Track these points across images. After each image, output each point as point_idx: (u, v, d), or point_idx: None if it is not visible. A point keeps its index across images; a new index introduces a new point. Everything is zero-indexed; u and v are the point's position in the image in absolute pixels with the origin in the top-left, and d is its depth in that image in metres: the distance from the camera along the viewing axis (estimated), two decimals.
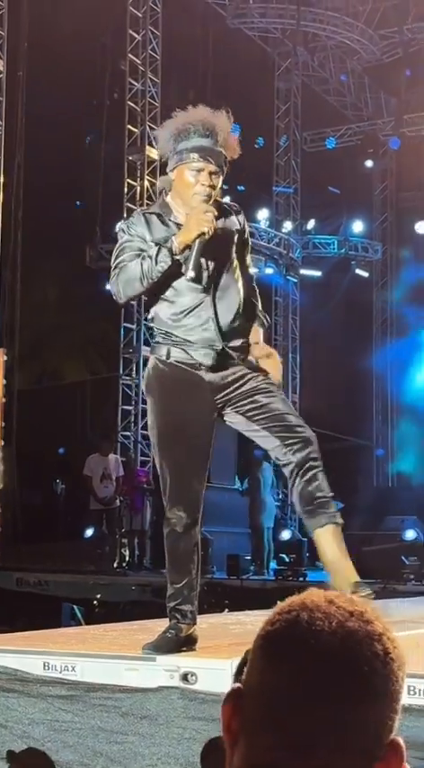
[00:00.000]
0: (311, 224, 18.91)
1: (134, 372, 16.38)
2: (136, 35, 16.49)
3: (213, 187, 3.86)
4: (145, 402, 15.93)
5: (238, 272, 3.98)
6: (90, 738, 3.26)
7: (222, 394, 3.89)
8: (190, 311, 3.85)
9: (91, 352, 19.52)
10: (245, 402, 3.89)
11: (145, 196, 16.32)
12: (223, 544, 13.03)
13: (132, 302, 4.03)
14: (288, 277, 18.50)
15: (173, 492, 3.82)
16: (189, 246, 3.75)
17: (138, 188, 16.34)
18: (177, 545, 3.81)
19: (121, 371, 16.48)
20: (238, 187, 15.41)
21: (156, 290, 3.85)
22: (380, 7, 17.98)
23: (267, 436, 3.90)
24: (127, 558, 14.07)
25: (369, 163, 19.56)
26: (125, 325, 16.48)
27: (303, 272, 18.82)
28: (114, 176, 16.47)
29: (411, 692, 3.04)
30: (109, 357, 17.27)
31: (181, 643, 3.71)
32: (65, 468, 16.45)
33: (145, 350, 16.37)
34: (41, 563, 12.76)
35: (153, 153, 16.37)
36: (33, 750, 3.24)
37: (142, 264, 3.78)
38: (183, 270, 3.78)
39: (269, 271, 17.64)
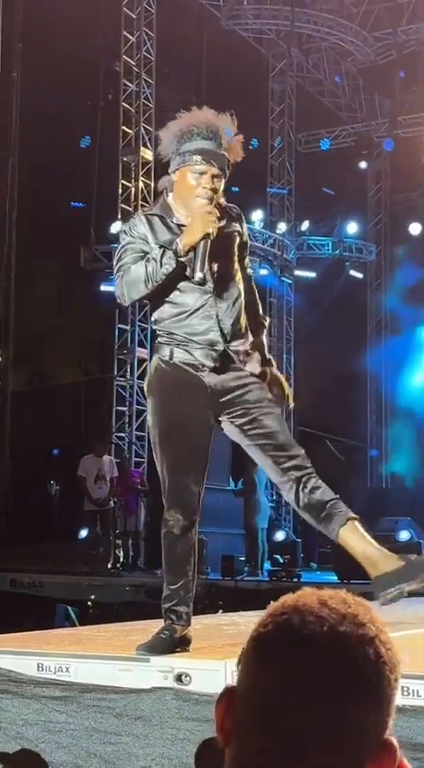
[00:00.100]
0: (305, 225, 18.92)
1: (128, 373, 16.39)
2: (130, 36, 16.50)
3: (215, 190, 3.85)
4: (139, 403, 15.88)
5: (240, 273, 3.99)
6: (84, 739, 3.26)
7: (221, 399, 3.89)
8: (194, 312, 3.85)
9: (85, 354, 19.52)
10: (241, 414, 3.89)
11: (140, 197, 16.32)
12: (217, 545, 13.03)
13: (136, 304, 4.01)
14: (283, 278, 18.51)
15: (171, 493, 3.82)
16: (193, 248, 3.75)
17: (133, 189, 16.35)
18: (174, 547, 3.82)
19: (116, 372, 16.48)
20: (232, 188, 15.40)
21: (160, 292, 3.84)
22: (374, 9, 18.00)
23: (259, 453, 3.90)
24: (121, 559, 14.07)
25: (363, 164, 19.59)
26: (119, 326, 16.48)
27: (297, 273, 18.83)
28: (108, 177, 16.47)
29: (405, 693, 3.04)
30: (103, 358, 17.27)
31: (175, 644, 3.71)
32: (59, 470, 16.45)
33: (139, 351, 16.38)
34: (35, 564, 12.76)
35: (147, 154, 16.38)
36: (27, 751, 3.24)
37: (146, 267, 3.77)
38: (188, 272, 3.78)
39: (263, 272, 17.63)
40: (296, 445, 3.92)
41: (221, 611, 8.06)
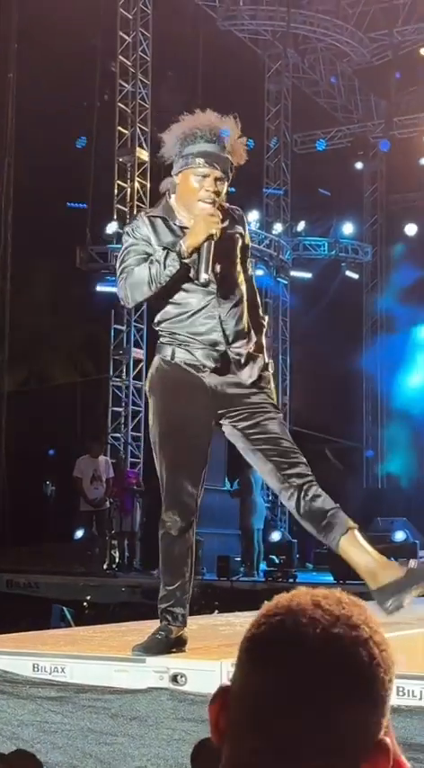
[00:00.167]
0: (301, 226, 18.93)
1: (124, 374, 16.38)
2: (126, 37, 16.50)
3: (217, 193, 3.84)
4: (135, 404, 15.86)
5: (242, 275, 3.99)
6: (79, 740, 3.25)
7: (223, 402, 3.88)
8: (196, 312, 3.85)
9: (81, 354, 19.50)
10: (244, 417, 3.88)
11: (136, 198, 16.32)
12: (213, 545, 13.04)
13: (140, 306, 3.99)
14: (278, 279, 18.52)
15: (170, 494, 3.82)
16: (197, 250, 3.75)
17: (129, 189, 16.34)
18: (171, 548, 3.82)
19: (111, 373, 16.48)
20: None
21: (164, 294, 3.84)
22: (370, 10, 18.02)
23: (260, 459, 3.89)
24: (116, 560, 14.07)
25: (359, 165, 19.60)
26: (115, 326, 16.47)
27: (293, 273, 18.84)
28: (104, 178, 16.47)
29: (401, 693, 3.04)
30: (99, 359, 17.26)
31: (170, 645, 3.71)
32: (55, 470, 16.43)
33: (135, 352, 16.38)
34: (31, 564, 12.76)
35: (143, 155, 16.38)
36: (22, 752, 3.23)
37: (150, 269, 3.77)
38: (192, 274, 3.78)
39: (259, 272, 17.62)
40: (298, 452, 3.92)
41: (217, 611, 8.06)
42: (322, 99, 20.02)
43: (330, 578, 11.06)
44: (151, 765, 3.15)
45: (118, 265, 3.95)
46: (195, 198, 3.83)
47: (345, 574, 10.92)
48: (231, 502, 14.21)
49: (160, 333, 3.95)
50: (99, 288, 16.22)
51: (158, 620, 3.82)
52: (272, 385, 4.09)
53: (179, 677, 3.37)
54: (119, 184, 16.39)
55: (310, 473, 3.87)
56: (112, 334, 16.47)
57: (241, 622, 5.07)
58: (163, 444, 3.86)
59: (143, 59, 16.59)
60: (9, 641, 4.23)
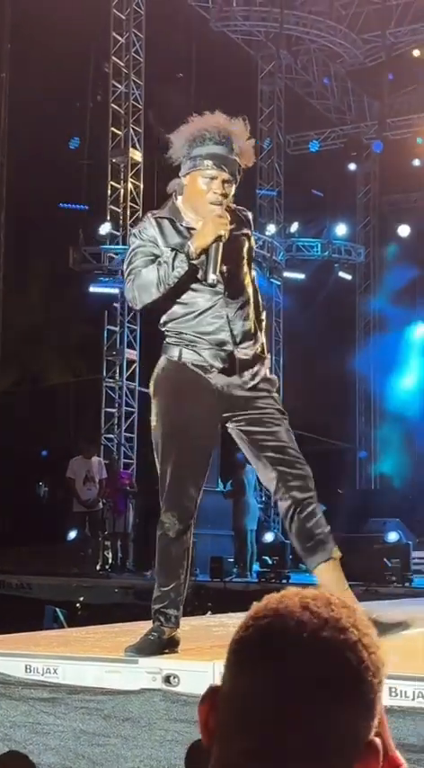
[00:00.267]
0: (294, 227, 18.94)
1: (117, 375, 16.38)
2: (119, 38, 16.49)
3: (225, 195, 3.83)
4: (128, 404, 15.79)
5: (248, 277, 3.98)
6: (72, 741, 3.25)
7: (229, 404, 3.86)
8: (204, 312, 3.83)
9: (74, 355, 19.50)
10: (250, 423, 3.88)
11: (129, 198, 16.32)
12: (206, 546, 13.03)
13: (149, 308, 3.93)
14: (272, 280, 18.52)
15: (170, 496, 3.80)
16: (205, 251, 3.74)
17: (122, 190, 16.34)
18: (168, 549, 3.81)
19: (104, 374, 16.47)
20: None
21: (172, 295, 3.82)
22: (363, 11, 18.04)
23: (265, 466, 3.88)
24: (109, 561, 14.06)
25: (352, 166, 19.63)
26: (108, 327, 16.47)
27: (286, 274, 18.85)
28: (97, 178, 16.47)
29: (394, 694, 3.04)
30: (92, 359, 17.26)
31: (163, 646, 3.71)
32: (48, 471, 16.43)
33: (128, 352, 16.38)
34: (24, 565, 12.74)
35: (136, 155, 16.38)
36: (15, 753, 3.23)
37: (158, 270, 3.75)
38: (200, 275, 3.77)
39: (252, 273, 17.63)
40: (304, 462, 3.91)
41: (210, 612, 8.07)
42: (315, 100, 20.03)
43: None
44: (144, 766, 3.14)
45: (125, 267, 3.92)
46: (202, 200, 3.82)
47: None
48: (224, 503, 14.21)
49: (166, 333, 3.91)
50: (92, 289, 16.21)
51: (151, 621, 3.81)
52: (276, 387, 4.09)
53: (171, 678, 3.36)
54: (112, 185, 16.38)
55: (312, 488, 3.88)
56: (105, 334, 16.47)
57: (234, 623, 5.05)
58: (166, 445, 3.83)
59: (136, 60, 16.59)
60: (1, 642, 4.22)
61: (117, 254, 16.28)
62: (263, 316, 4.15)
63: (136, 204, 16.41)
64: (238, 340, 3.86)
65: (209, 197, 3.81)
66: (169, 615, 3.76)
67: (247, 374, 3.89)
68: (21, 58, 15.13)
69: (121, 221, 16.30)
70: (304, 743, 0.98)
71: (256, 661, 1.02)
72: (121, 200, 16.30)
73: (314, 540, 3.86)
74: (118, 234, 16.30)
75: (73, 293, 16.85)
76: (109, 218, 16.23)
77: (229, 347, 3.84)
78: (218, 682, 1.08)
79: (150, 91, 16.43)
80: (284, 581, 12.11)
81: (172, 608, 3.77)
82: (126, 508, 14.29)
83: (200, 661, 3.53)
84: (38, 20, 14.56)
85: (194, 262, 3.74)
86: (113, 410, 16.36)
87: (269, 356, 4.08)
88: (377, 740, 1.03)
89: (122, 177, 16.35)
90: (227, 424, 3.93)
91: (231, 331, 3.84)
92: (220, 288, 3.81)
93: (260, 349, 3.96)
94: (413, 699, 3.04)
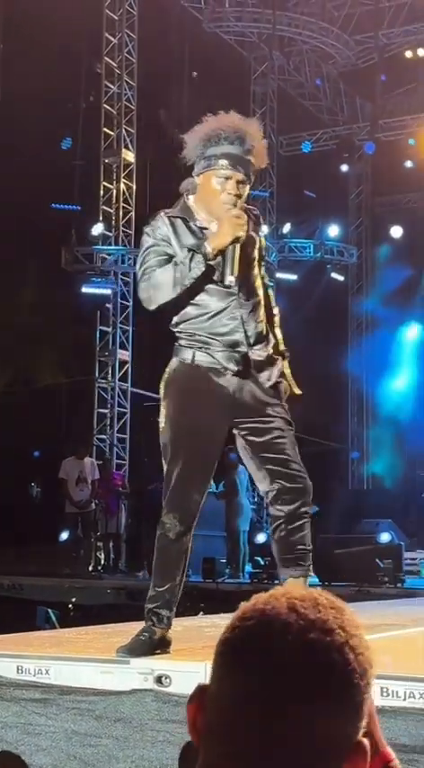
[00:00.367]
0: (286, 228, 18.94)
1: (109, 375, 16.37)
2: (112, 38, 16.49)
3: (239, 196, 3.81)
4: (120, 405, 15.74)
5: (259, 278, 3.96)
6: (63, 741, 3.25)
7: (240, 409, 3.84)
8: (218, 313, 3.80)
9: (66, 356, 19.47)
10: (256, 433, 3.86)
11: (121, 199, 16.31)
12: (198, 547, 12.92)
13: (162, 309, 3.89)
14: None
15: (173, 497, 3.77)
16: (221, 252, 3.71)
17: (114, 191, 16.33)
18: (167, 550, 3.79)
19: (97, 375, 16.46)
20: None
21: (186, 296, 3.78)
22: (355, 12, 18.06)
23: (265, 477, 3.88)
24: (102, 562, 14.05)
25: (345, 167, 19.65)
26: (101, 328, 16.47)
27: (279, 275, 18.84)
28: (90, 179, 16.46)
29: (385, 694, 3.05)
30: (84, 360, 17.24)
31: (154, 646, 3.70)
32: (40, 472, 16.41)
33: (120, 353, 16.38)
34: (16, 566, 12.72)
35: (129, 156, 16.38)
36: (7, 753, 3.23)
37: (174, 271, 3.71)
38: (217, 276, 3.74)
39: None
40: (304, 476, 3.89)
41: (202, 613, 8.07)
42: (307, 101, 20.05)
43: (315, 580, 11.07)
44: (135, 767, 3.14)
45: (138, 267, 3.87)
46: (216, 200, 3.80)
47: (330, 576, 10.97)
48: (217, 503, 14.20)
49: (178, 335, 3.87)
50: (84, 289, 16.20)
51: (144, 622, 3.81)
52: (287, 372, 4.06)
53: (163, 679, 3.36)
54: (104, 186, 16.37)
55: (308, 503, 3.88)
56: (98, 335, 16.47)
57: (226, 624, 5.06)
58: (174, 448, 3.79)
59: (128, 61, 16.59)
60: None
61: (109, 254, 16.28)
62: (276, 311, 4.12)
63: (129, 205, 16.41)
64: (252, 341, 3.83)
65: (223, 197, 3.79)
66: (161, 616, 3.76)
67: (263, 376, 3.87)
68: (12, 59, 15.10)
69: (114, 222, 16.30)
70: (288, 746, 0.98)
71: (241, 663, 1.01)
72: (114, 201, 16.29)
73: (294, 554, 3.87)
74: (110, 234, 16.29)
75: (65, 294, 16.82)
76: (101, 218, 16.23)
77: (243, 348, 3.81)
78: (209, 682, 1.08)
79: (155, 91, 16.43)
80: (276, 582, 12.11)
81: (165, 609, 3.77)
82: (118, 509, 14.28)
83: (192, 661, 3.53)
84: (30, 20, 14.54)
85: (211, 263, 3.71)
86: (106, 411, 16.35)
87: (287, 355, 4.05)
88: (365, 741, 1.02)
89: (114, 178, 16.35)
90: (235, 430, 3.90)
91: (245, 332, 3.81)
92: (234, 289, 3.79)
93: (272, 350, 3.94)
94: (404, 699, 3.05)
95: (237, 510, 13.73)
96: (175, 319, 3.87)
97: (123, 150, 16.27)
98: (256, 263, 3.94)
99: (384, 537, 13.02)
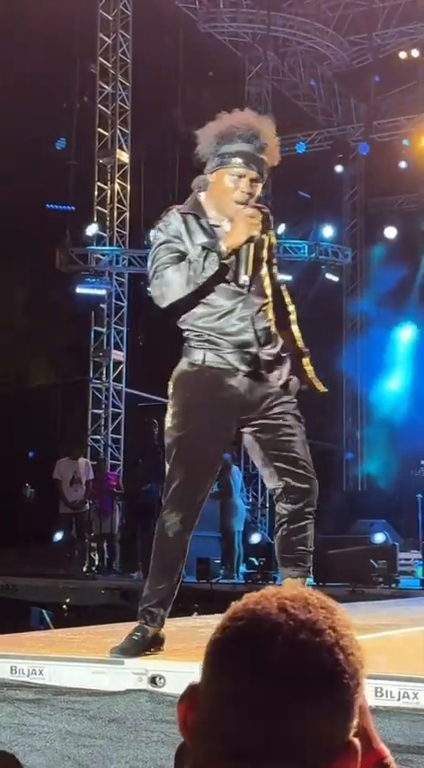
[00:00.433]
0: (281, 228, 18.91)
1: (104, 376, 16.37)
2: (106, 38, 16.49)
3: (252, 194, 3.80)
4: (115, 406, 15.71)
5: (268, 277, 3.93)
6: (57, 742, 3.24)
7: (249, 410, 3.83)
8: (228, 313, 3.78)
9: (61, 356, 19.47)
10: (266, 430, 3.85)
11: (116, 199, 16.30)
12: (192, 547, 12.92)
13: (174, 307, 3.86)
14: None
15: (175, 497, 3.74)
16: (235, 251, 3.70)
17: (109, 191, 16.32)
18: (165, 548, 3.78)
19: (91, 375, 16.45)
20: None
21: (197, 295, 3.75)
22: (350, 13, 18.07)
23: (272, 474, 3.87)
24: (96, 562, 14.03)
25: (339, 168, 19.63)
26: (95, 328, 16.46)
27: None
28: (84, 179, 16.44)
29: (379, 694, 3.05)
30: (79, 361, 17.24)
31: (147, 644, 3.70)
32: (34, 472, 16.39)
33: (115, 353, 16.37)
34: (10, 566, 12.69)
35: (123, 156, 16.37)
36: (2, 753, 3.22)
37: (188, 269, 3.69)
38: (230, 275, 3.73)
39: None
40: (312, 475, 3.89)
41: (196, 613, 8.06)
42: (301, 102, 20.05)
43: (309, 580, 11.07)
44: (129, 767, 3.14)
45: (150, 263, 3.84)
46: (228, 198, 3.78)
47: (325, 576, 10.97)
48: (211, 504, 14.16)
49: (187, 335, 3.84)
50: (79, 290, 16.18)
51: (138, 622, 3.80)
52: (309, 369, 4.07)
53: (157, 679, 3.36)
54: (99, 186, 16.36)
55: (312, 503, 3.87)
56: (92, 336, 16.45)
57: None
58: (180, 448, 3.76)
59: (123, 61, 16.59)
60: None
61: (104, 255, 16.27)
62: (291, 308, 4.09)
63: (123, 205, 16.40)
64: (262, 341, 3.81)
65: (236, 195, 3.77)
66: (155, 614, 3.74)
67: (273, 375, 3.86)
68: (6, 59, 15.08)
69: (108, 222, 16.29)
70: (277, 746, 0.97)
71: (231, 663, 1.01)
72: (108, 201, 16.29)
73: (294, 554, 3.86)
74: (104, 235, 16.29)
75: (59, 294, 16.82)
76: (96, 218, 16.22)
77: (254, 349, 3.79)
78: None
79: (150, 92, 16.41)
80: (270, 582, 12.12)
81: (159, 607, 3.75)
82: (112, 510, 14.26)
83: (186, 662, 3.52)
84: (23, 20, 14.52)
85: (225, 262, 3.69)
86: (100, 411, 16.34)
87: (306, 352, 4.04)
88: (356, 741, 1.02)
89: (109, 178, 16.34)
90: (243, 429, 3.89)
91: (255, 332, 3.79)
92: (245, 289, 3.77)
93: (281, 349, 3.92)
94: (398, 699, 3.05)
95: (231, 510, 13.73)
96: (184, 317, 3.84)
97: (117, 151, 16.26)
98: (266, 261, 3.92)
99: (379, 537, 13.02)
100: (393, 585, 11.65)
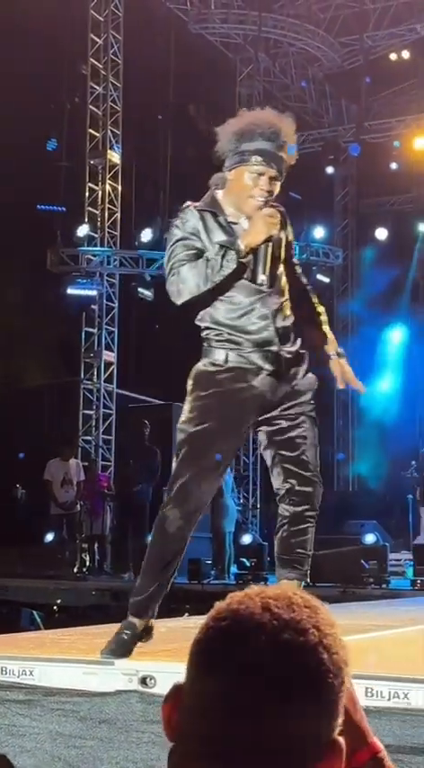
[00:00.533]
0: None
1: (95, 377, 16.35)
2: (97, 39, 16.48)
3: (270, 193, 3.79)
4: (106, 406, 15.67)
5: (284, 275, 3.92)
6: (48, 743, 3.24)
7: (267, 409, 3.82)
8: (248, 311, 3.77)
9: (51, 357, 19.43)
10: (278, 431, 3.85)
11: (107, 200, 16.29)
12: None
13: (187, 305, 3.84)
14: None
15: (182, 493, 3.72)
16: (253, 250, 3.69)
17: (100, 192, 16.31)
18: (162, 542, 3.76)
19: (82, 376, 16.43)
20: None
21: (215, 293, 3.74)
22: (341, 15, 18.10)
23: (279, 474, 3.88)
24: (87, 563, 14.01)
25: (330, 169, 19.65)
26: (86, 329, 16.44)
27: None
28: (75, 180, 16.42)
29: (369, 695, 3.05)
30: (70, 361, 17.21)
31: (137, 638, 3.69)
32: (25, 473, 16.35)
33: (106, 354, 16.35)
34: (1, 568, 12.67)
35: (114, 157, 16.36)
36: None
37: (205, 267, 3.66)
38: (248, 274, 3.71)
39: None
40: (318, 480, 3.92)
41: (187, 614, 8.05)
42: (293, 103, 20.03)
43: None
44: None
45: (167, 260, 3.81)
46: (246, 195, 3.76)
47: (315, 577, 10.97)
48: None
49: (207, 334, 3.82)
50: (70, 290, 16.16)
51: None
52: (347, 369, 4.11)
53: (148, 680, 3.36)
54: (90, 187, 16.35)
55: (315, 508, 3.89)
56: (83, 336, 16.44)
57: None
58: (194, 445, 3.73)
59: (114, 62, 16.57)
60: None
61: (95, 255, 16.26)
62: (320, 309, 4.12)
63: (114, 206, 16.39)
64: (282, 339, 3.81)
65: (255, 193, 3.75)
66: (145, 608, 3.73)
67: (293, 373, 3.87)
68: None
69: (99, 223, 16.28)
70: (260, 746, 0.97)
71: (215, 663, 1.01)
72: (99, 202, 16.27)
73: (292, 556, 3.87)
74: (95, 236, 16.27)
75: (50, 295, 16.78)
76: (86, 219, 16.20)
77: (274, 347, 3.78)
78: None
79: (141, 92, 16.39)
80: (262, 583, 12.11)
81: (150, 601, 3.74)
82: (103, 510, 14.25)
83: (177, 662, 3.52)
84: (14, 21, 14.49)
85: (243, 260, 3.68)
86: (91, 412, 16.32)
87: (341, 352, 4.09)
88: (341, 739, 1.02)
89: (100, 179, 16.32)
90: (260, 428, 3.89)
91: (275, 330, 3.79)
92: (264, 287, 3.77)
93: (300, 345, 3.92)
94: (389, 699, 3.05)
95: (222, 511, 13.72)
96: (202, 315, 3.82)
97: (108, 151, 16.25)
98: (283, 259, 3.91)
99: (369, 538, 13.05)
100: (384, 586, 11.66)
